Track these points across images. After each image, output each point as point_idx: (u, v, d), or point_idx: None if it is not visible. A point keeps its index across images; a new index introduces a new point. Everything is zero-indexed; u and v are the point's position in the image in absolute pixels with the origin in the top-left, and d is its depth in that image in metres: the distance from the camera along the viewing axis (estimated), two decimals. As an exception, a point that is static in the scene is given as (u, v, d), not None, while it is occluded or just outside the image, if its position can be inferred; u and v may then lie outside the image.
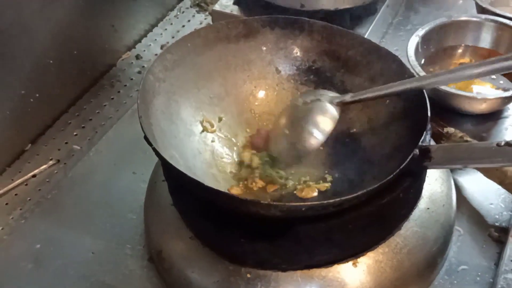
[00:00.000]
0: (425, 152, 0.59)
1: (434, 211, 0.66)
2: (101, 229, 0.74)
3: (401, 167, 0.57)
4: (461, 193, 0.74)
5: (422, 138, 0.59)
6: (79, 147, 0.87)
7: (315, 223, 0.58)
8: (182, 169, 0.58)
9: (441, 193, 0.68)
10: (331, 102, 0.68)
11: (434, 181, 0.68)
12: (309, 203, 0.55)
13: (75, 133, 0.89)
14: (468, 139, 0.74)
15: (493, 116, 0.83)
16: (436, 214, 0.66)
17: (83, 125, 0.90)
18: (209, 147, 0.71)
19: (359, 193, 0.55)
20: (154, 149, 0.59)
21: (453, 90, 0.79)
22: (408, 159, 0.58)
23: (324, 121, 0.67)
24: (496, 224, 0.71)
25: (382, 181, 0.56)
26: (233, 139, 0.73)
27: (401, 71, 0.68)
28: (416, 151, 0.59)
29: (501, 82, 0.85)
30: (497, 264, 0.67)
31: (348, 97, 0.67)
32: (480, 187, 0.74)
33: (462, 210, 0.72)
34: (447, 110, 0.82)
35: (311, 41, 0.75)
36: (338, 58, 0.74)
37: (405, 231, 0.64)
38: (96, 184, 0.81)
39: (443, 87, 0.79)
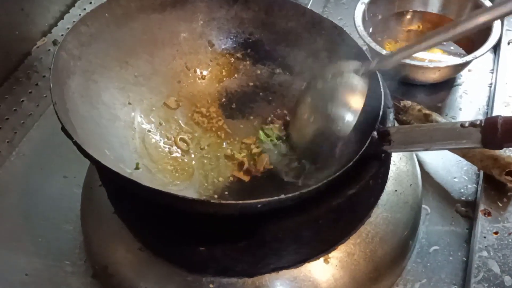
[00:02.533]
0: (384, 135, 0.54)
1: (402, 193, 0.62)
2: (34, 245, 0.67)
3: (360, 153, 0.52)
4: (423, 169, 0.70)
5: (379, 119, 0.54)
6: (-3, 152, 0.78)
7: (282, 222, 0.52)
8: (111, 163, 0.50)
9: (406, 173, 0.64)
10: (356, 73, 0.59)
11: (399, 161, 0.64)
12: (264, 199, 0.48)
13: (-10, 136, 0.80)
14: (427, 111, 0.71)
15: (446, 84, 0.81)
16: (404, 196, 0.62)
17: (-1, 126, 0.81)
18: (138, 134, 0.63)
19: (319, 184, 0.50)
20: (76, 143, 0.50)
21: (406, 61, 0.75)
22: (366, 144, 0.53)
23: (354, 99, 0.58)
24: (462, 198, 0.68)
25: (341, 168, 0.51)
26: (165, 124, 0.65)
27: (348, 44, 0.62)
28: (375, 133, 0.54)
29: (452, 48, 0.82)
30: (468, 241, 0.64)
31: (373, 65, 0.58)
32: (442, 161, 0.72)
33: (426, 187, 0.69)
34: (399, 82, 0.78)
35: (247, 10, 0.68)
36: (278, 31, 0.67)
37: (375, 218, 0.59)
38: (22, 193, 0.72)
39: (395, 57, 0.74)
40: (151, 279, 0.57)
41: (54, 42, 0.92)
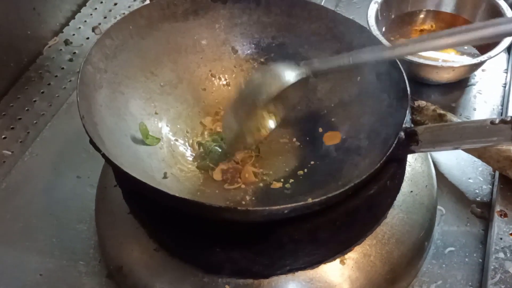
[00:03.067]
0: (411, 135, 0.54)
1: (418, 194, 0.62)
2: (48, 245, 0.67)
3: (387, 154, 0.52)
4: (438, 170, 0.70)
5: (406, 119, 0.54)
6: (10, 152, 0.77)
7: (299, 224, 0.52)
8: (140, 173, 0.51)
9: (422, 173, 0.64)
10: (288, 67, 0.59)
11: (414, 161, 0.64)
12: (291, 204, 0.48)
13: (3, 136, 0.80)
14: (441, 111, 0.70)
15: (460, 84, 0.80)
16: (420, 197, 0.62)
17: (12, 126, 0.81)
18: (165, 143, 0.64)
19: (346, 187, 0.50)
20: (104, 155, 0.51)
21: (419, 60, 0.74)
22: (393, 144, 0.52)
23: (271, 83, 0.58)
24: (477, 199, 0.68)
25: (367, 171, 0.51)
26: (191, 132, 0.66)
27: (371, 43, 0.62)
28: (402, 134, 0.53)
29: (465, 48, 0.81)
30: (483, 243, 0.64)
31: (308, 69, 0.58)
32: (456, 162, 0.71)
33: (441, 188, 0.68)
34: (413, 81, 0.76)
35: (269, 15, 0.68)
36: (300, 33, 0.67)
37: (391, 219, 0.59)
38: (35, 193, 0.72)
39: (409, 57, 0.74)
40: (167, 280, 0.57)
41: (66, 42, 0.92)
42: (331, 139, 0.63)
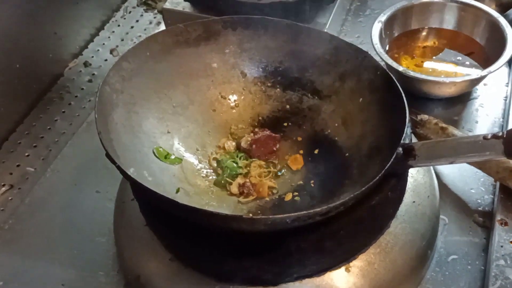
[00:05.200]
0: (409, 151, 0.57)
1: (420, 204, 0.64)
2: (69, 256, 0.70)
3: (385, 168, 0.55)
4: (441, 180, 0.72)
5: (404, 135, 0.57)
6: (33, 169, 0.81)
7: (306, 233, 0.55)
8: (152, 186, 0.54)
9: (424, 184, 0.66)
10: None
11: (416, 173, 0.66)
12: (294, 213, 0.51)
13: (26, 154, 0.83)
14: (443, 125, 0.73)
15: (462, 98, 0.83)
16: (422, 207, 0.64)
17: (34, 144, 0.85)
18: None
19: (346, 198, 0.52)
20: (119, 167, 0.55)
21: (422, 76, 0.77)
22: (392, 160, 0.55)
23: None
24: (479, 208, 0.70)
25: (367, 184, 0.53)
26: (201, 149, 0.69)
27: (372, 66, 0.66)
28: (400, 149, 0.56)
29: (467, 62, 0.84)
30: (485, 250, 0.66)
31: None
32: (459, 173, 0.73)
33: (444, 198, 0.71)
34: (416, 96, 0.80)
35: (276, 41, 0.71)
36: (306, 58, 0.70)
37: (394, 228, 0.62)
38: (57, 208, 0.75)
39: (412, 73, 0.77)
40: (181, 288, 0.60)
41: (85, 64, 0.96)
42: (294, 163, 0.68)
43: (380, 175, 0.54)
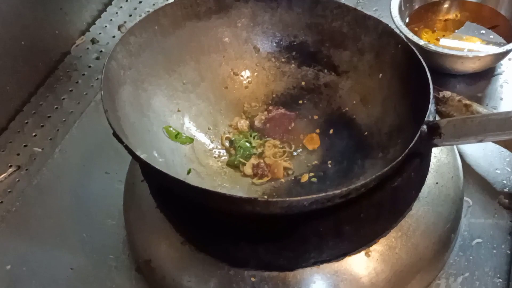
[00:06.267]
0: (434, 129, 0.53)
1: (444, 185, 0.61)
2: (78, 240, 0.68)
3: (409, 147, 0.51)
4: (464, 161, 0.69)
5: (428, 112, 0.54)
6: (40, 149, 0.79)
7: (324, 217, 0.52)
8: (162, 168, 0.52)
9: (447, 165, 0.63)
10: None
11: (439, 152, 0.63)
12: (312, 196, 0.48)
13: (34, 134, 0.82)
14: (467, 102, 0.70)
15: (486, 74, 0.79)
16: (446, 188, 0.61)
17: (42, 124, 0.83)
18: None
19: (368, 179, 0.49)
20: (127, 147, 0.52)
21: (444, 50, 0.74)
22: (416, 138, 0.52)
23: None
24: (505, 190, 0.67)
25: (389, 164, 0.50)
26: (213, 129, 0.66)
27: (393, 39, 0.62)
28: (424, 127, 0.53)
29: (491, 36, 0.80)
30: (512, 234, 0.63)
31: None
32: (483, 152, 0.70)
33: (468, 179, 0.68)
34: (437, 72, 0.76)
35: (290, 13, 0.68)
36: (322, 31, 0.67)
37: (416, 211, 0.59)
38: (65, 190, 0.74)
39: (434, 47, 0.73)
40: (193, 273, 0.58)
41: (93, 41, 0.93)
42: (310, 143, 0.65)
43: (404, 154, 0.51)
